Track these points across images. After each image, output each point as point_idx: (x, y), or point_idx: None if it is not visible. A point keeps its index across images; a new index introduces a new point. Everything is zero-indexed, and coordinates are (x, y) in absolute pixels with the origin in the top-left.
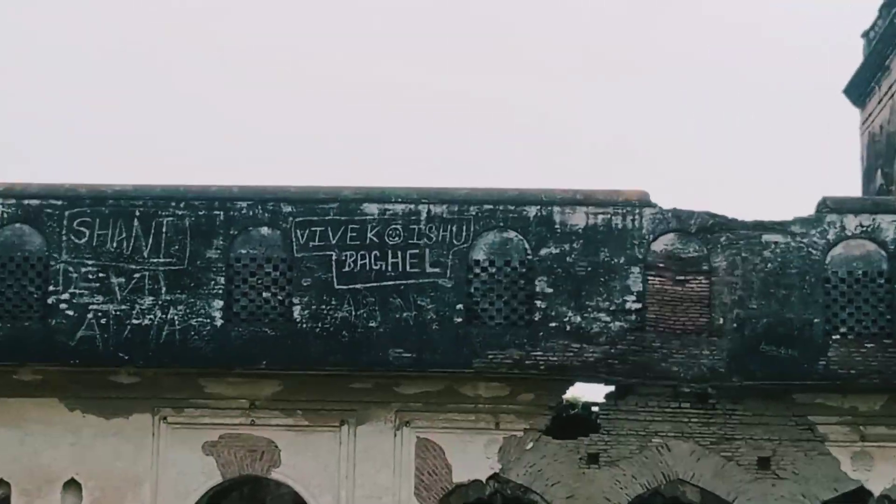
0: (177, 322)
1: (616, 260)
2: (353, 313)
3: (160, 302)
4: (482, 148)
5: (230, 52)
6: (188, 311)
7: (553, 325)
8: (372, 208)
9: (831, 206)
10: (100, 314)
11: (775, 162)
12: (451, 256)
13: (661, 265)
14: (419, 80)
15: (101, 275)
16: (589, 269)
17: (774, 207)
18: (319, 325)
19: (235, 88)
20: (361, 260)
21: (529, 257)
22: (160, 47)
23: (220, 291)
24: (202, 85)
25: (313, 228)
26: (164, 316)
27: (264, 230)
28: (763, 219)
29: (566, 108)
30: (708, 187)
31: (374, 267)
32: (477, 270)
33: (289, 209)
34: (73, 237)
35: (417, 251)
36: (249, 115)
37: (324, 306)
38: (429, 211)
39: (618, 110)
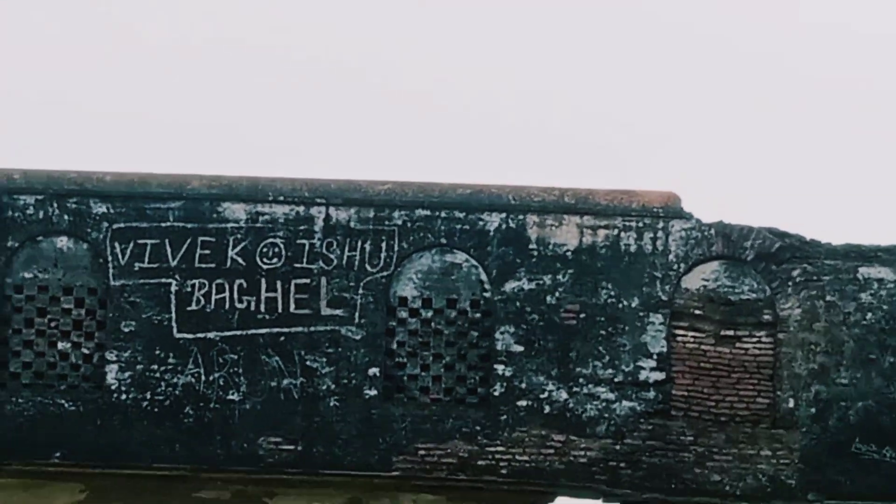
0: None
1: (626, 302)
2: (203, 379)
3: None
4: (420, 131)
5: None
6: None
7: (523, 403)
8: (237, 211)
9: None
10: None
11: (872, 162)
12: (361, 290)
13: (697, 312)
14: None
15: None
16: (582, 315)
17: (873, 227)
18: (149, 396)
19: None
20: (218, 294)
21: (487, 295)
22: None
23: None
24: None
25: (141, 241)
26: None
27: (63, 242)
28: (859, 242)
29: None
30: (770, 193)
31: (239, 305)
32: (403, 314)
33: (102, 209)
34: None
35: (308, 281)
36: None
37: (156, 366)
38: (327, 217)
39: (631, 93)
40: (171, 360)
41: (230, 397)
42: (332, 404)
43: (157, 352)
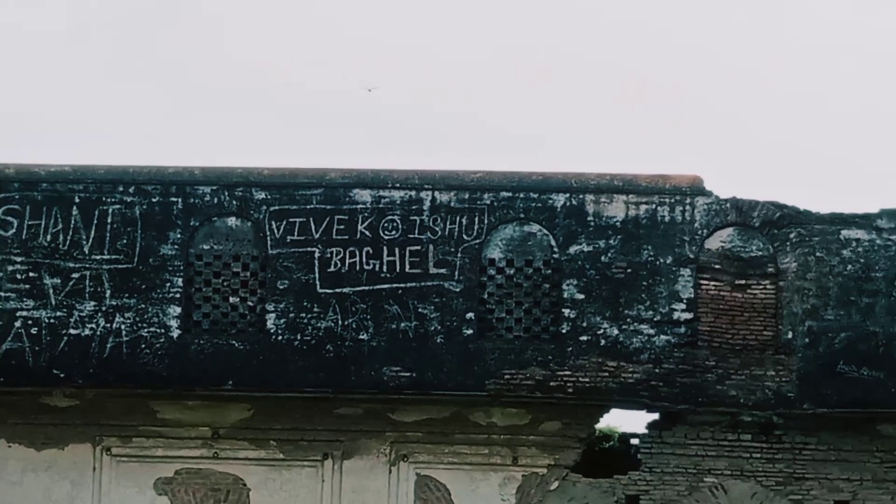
0: (124, 333)
1: (662, 260)
2: (340, 323)
3: (104, 308)
4: (500, 122)
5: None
6: (138, 319)
7: (584, 338)
8: (364, 195)
9: None
10: (30, 322)
11: (857, 144)
12: (460, 254)
13: (717, 266)
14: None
15: (31, 274)
16: (629, 270)
17: (855, 198)
18: (299, 337)
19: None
20: (350, 258)
21: (556, 256)
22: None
23: (178, 296)
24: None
25: (292, 219)
26: (108, 325)
27: (232, 221)
28: (843, 211)
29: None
30: (774, 173)
31: (367, 267)
32: (492, 272)
33: (262, 196)
34: None
35: (419, 248)
36: (215, 79)
37: (304, 314)
38: (433, 199)
39: (666, 73)
40: (315, 310)
41: (361, 337)
42: (438, 341)
43: (305, 303)
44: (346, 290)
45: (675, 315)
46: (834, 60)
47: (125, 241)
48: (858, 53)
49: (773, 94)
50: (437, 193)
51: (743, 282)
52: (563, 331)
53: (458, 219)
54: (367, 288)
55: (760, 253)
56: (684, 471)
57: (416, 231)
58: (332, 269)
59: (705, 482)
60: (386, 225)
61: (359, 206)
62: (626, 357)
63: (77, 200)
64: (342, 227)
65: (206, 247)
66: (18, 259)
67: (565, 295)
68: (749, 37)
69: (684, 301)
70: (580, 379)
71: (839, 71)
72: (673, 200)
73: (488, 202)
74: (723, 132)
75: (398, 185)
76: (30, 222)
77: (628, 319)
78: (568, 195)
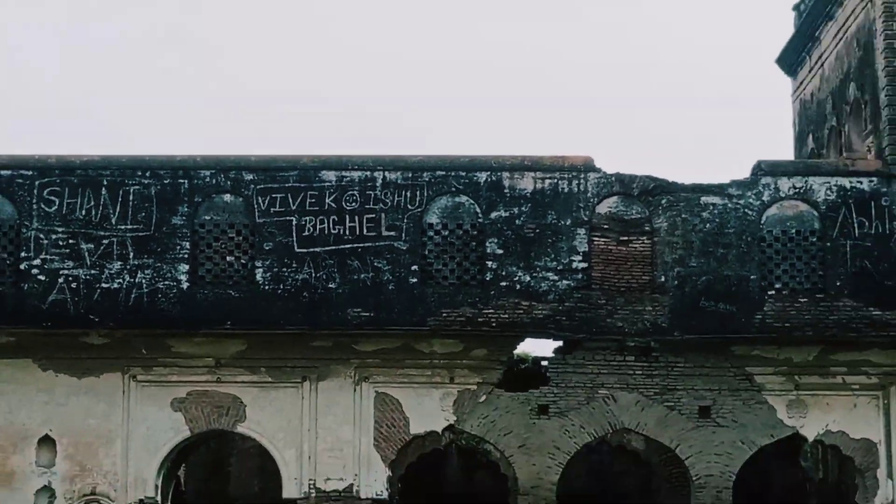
0: (144, 285)
1: (563, 222)
2: (313, 275)
3: (128, 266)
4: (436, 112)
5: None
6: (155, 274)
7: (504, 284)
8: (330, 175)
9: (766, 170)
10: (70, 279)
11: (714, 128)
12: (405, 220)
13: (605, 226)
14: (384, 44)
15: (71, 241)
16: (537, 230)
17: (713, 171)
18: (281, 286)
19: (201, 56)
20: (320, 224)
21: (481, 220)
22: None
23: (186, 256)
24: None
25: (274, 195)
26: (132, 280)
27: (227, 197)
28: (702, 182)
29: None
30: (649, 153)
31: (333, 231)
32: (431, 233)
33: (250, 177)
34: (43, 206)
35: (374, 216)
36: (210, 83)
37: (285, 269)
38: (384, 177)
39: (562, 75)
40: (294, 265)
41: (329, 286)
42: (390, 288)
43: (286, 260)
44: (317, 249)
45: (574, 265)
46: (696, 56)
47: (144, 214)
48: (716, 50)
49: (649, 87)
50: (387, 173)
51: (626, 238)
52: (487, 278)
53: (403, 192)
54: (333, 248)
55: (639, 215)
56: (583, 385)
57: (371, 202)
58: (306, 233)
59: (599, 394)
60: (347, 198)
61: (326, 184)
62: (536, 298)
63: (105, 183)
64: (313, 200)
65: (207, 217)
66: (60, 230)
67: (488, 251)
68: (626, 34)
69: (580, 254)
70: (501, 315)
71: (702, 65)
72: (570, 176)
73: (427, 179)
74: (609, 119)
75: (356, 166)
76: (68, 201)
77: (538, 268)
78: (489, 173)
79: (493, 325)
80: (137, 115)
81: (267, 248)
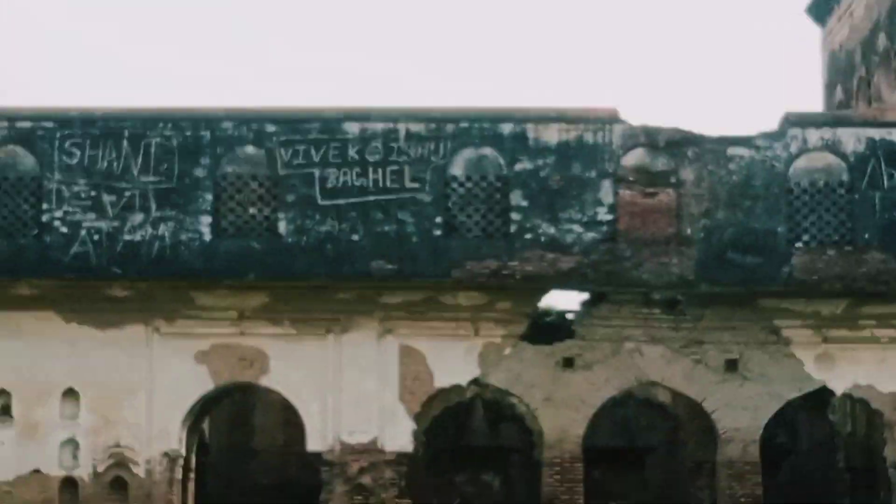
0: (167, 237)
1: (588, 174)
2: (337, 227)
3: (150, 218)
4: (461, 65)
5: None
6: (178, 226)
7: (528, 236)
8: (353, 127)
9: (794, 121)
10: (93, 231)
11: (741, 79)
12: (429, 172)
13: (631, 178)
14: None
15: (92, 193)
16: (562, 182)
17: (740, 123)
18: (304, 238)
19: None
20: (343, 176)
21: (505, 172)
22: None
23: (208, 208)
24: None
25: (297, 147)
26: (154, 232)
27: (249, 149)
28: (728, 134)
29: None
30: (676, 105)
31: (356, 183)
32: (454, 185)
33: (273, 129)
34: (64, 157)
35: (397, 167)
36: (233, 35)
37: (308, 221)
38: (407, 129)
39: (587, 27)
40: (317, 217)
41: (353, 238)
42: (414, 240)
43: (308, 212)
44: (340, 201)
45: (599, 217)
46: (724, 5)
47: (166, 166)
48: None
49: (676, 38)
50: (409, 125)
51: (651, 190)
52: (512, 230)
53: (427, 144)
54: (357, 200)
55: (665, 167)
56: (608, 338)
57: (395, 154)
58: (329, 185)
59: (625, 347)
60: (370, 150)
61: (349, 136)
62: (561, 250)
63: (126, 135)
64: (336, 152)
65: (229, 169)
66: (82, 181)
67: (512, 202)
68: None
69: (606, 206)
70: (526, 268)
71: (730, 15)
72: (595, 127)
73: (450, 131)
74: (635, 71)
75: (379, 118)
76: (90, 153)
77: (562, 221)
78: (513, 124)
79: (518, 277)
80: (160, 65)
81: (290, 200)
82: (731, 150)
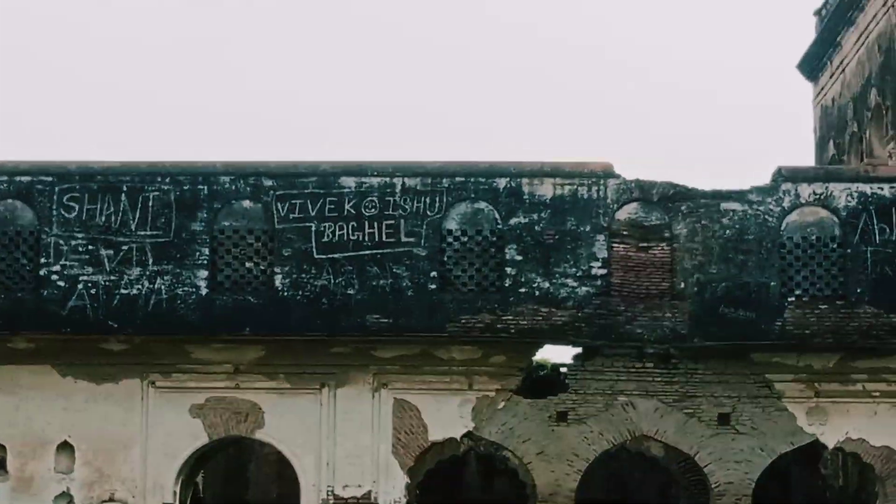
0: (164, 291)
1: (582, 228)
2: (332, 281)
3: (147, 272)
4: (455, 119)
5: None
6: (174, 280)
7: (523, 290)
8: (349, 181)
9: (786, 176)
10: (90, 284)
11: (734, 134)
12: (424, 226)
13: (624, 233)
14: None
15: (90, 247)
16: (556, 237)
17: (733, 177)
18: (300, 292)
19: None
20: (339, 231)
21: (500, 226)
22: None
23: (205, 262)
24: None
25: (293, 201)
26: (151, 286)
27: (246, 203)
28: (722, 188)
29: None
30: (669, 160)
31: (352, 237)
32: (450, 239)
33: (270, 183)
34: (63, 212)
35: (393, 222)
36: (229, 93)
37: (304, 275)
38: (403, 183)
39: (582, 82)
40: (313, 271)
41: (348, 292)
42: (409, 294)
43: (305, 266)
44: (336, 255)
45: (593, 271)
46: (717, 62)
47: (163, 220)
48: (737, 55)
49: (670, 93)
50: (406, 179)
51: (645, 244)
52: (506, 284)
53: (423, 198)
54: (352, 254)
55: (658, 222)
56: (602, 392)
57: (390, 209)
58: (325, 239)
59: (618, 400)
60: (367, 204)
61: (345, 190)
62: (555, 304)
63: (125, 189)
64: (332, 206)
65: (226, 223)
66: (80, 235)
67: (507, 257)
68: (646, 39)
69: (600, 260)
70: (520, 322)
71: (723, 71)
72: (590, 182)
73: (446, 185)
74: (629, 126)
75: (376, 173)
76: (88, 207)
77: (557, 275)
78: (508, 179)
79: (512, 331)
80: (154, 121)
81: (286, 254)
82: (725, 205)
